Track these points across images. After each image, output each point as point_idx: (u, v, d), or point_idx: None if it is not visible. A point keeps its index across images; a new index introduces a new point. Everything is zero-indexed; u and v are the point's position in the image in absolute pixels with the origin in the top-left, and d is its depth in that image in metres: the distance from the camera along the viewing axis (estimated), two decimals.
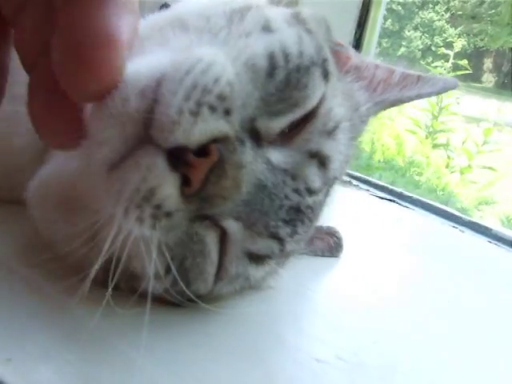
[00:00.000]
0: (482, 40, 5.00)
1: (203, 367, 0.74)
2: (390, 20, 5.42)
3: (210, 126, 0.65)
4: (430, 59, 5.30)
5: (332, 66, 0.83)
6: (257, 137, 0.73)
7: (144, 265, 0.72)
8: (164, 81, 0.65)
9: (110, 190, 0.68)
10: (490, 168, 3.80)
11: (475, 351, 0.93)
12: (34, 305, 0.77)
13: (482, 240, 1.41)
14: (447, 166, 3.92)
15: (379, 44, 1.76)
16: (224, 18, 0.77)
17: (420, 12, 6.12)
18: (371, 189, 1.57)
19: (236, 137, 0.69)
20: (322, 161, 0.79)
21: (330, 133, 0.80)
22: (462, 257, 1.30)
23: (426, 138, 4.13)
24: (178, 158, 0.65)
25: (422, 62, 5.48)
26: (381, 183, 1.61)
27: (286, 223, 0.78)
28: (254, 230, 0.76)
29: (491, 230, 1.44)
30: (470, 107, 4.62)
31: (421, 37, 6.14)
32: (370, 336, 0.89)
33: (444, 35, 5.45)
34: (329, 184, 0.84)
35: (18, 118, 0.79)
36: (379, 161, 3.64)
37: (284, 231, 0.78)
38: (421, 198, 1.55)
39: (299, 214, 0.79)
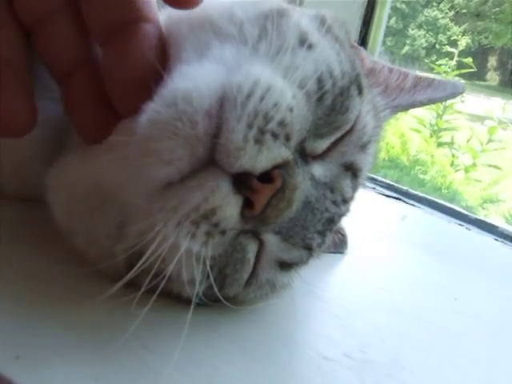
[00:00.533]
0: (486, 38, 4.99)
1: (215, 367, 0.74)
2: (394, 18, 5.41)
3: (274, 153, 0.67)
4: (434, 57, 5.29)
5: (364, 79, 0.84)
6: (304, 155, 0.75)
7: (181, 273, 0.73)
8: (226, 103, 0.66)
9: (165, 206, 0.68)
10: (494, 166, 3.80)
11: (482, 349, 0.93)
12: (42, 301, 0.77)
13: (488, 238, 1.41)
14: (452, 165, 3.91)
15: (383, 42, 1.75)
16: (257, 26, 0.76)
17: (424, 10, 6.11)
18: (377, 187, 1.57)
19: (294, 161, 0.71)
20: (354, 173, 0.81)
21: (364, 146, 0.82)
22: (468, 254, 1.30)
23: (431, 136, 4.12)
24: (241, 181, 0.67)
25: (426, 60, 5.48)
26: (386, 181, 1.62)
27: (319, 234, 0.80)
28: (290, 242, 0.78)
29: (497, 227, 1.44)
30: (474, 105, 4.62)
31: (425, 35, 6.12)
32: (377, 333, 0.90)
33: (448, 33, 5.44)
34: (357, 191, 0.87)
35: None
36: (384, 159, 3.63)
37: (316, 242, 0.81)
38: (427, 196, 1.55)
39: (331, 224, 0.82)
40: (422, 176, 3.58)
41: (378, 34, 1.65)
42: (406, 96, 0.97)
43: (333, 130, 0.77)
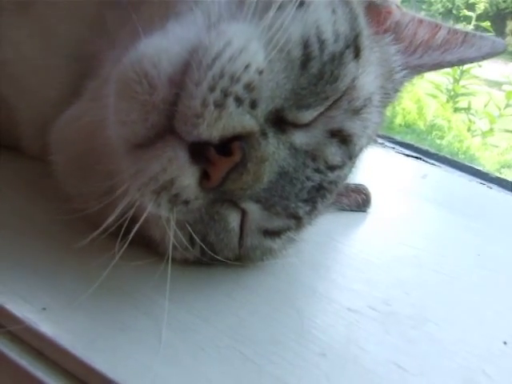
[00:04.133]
0: (504, 2, 4.89)
1: (238, 317, 0.75)
2: None
3: (234, 121, 0.64)
4: (451, 23, 5.20)
5: (365, 38, 0.79)
6: (282, 123, 0.71)
7: (163, 236, 0.74)
8: (190, 67, 0.64)
9: (130, 169, 0.68)
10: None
11: (505, 301, 0.93)
12: (63, 257, 0.78)
13: (509, 196, 1.39)
14: (469, 130, 3.87)
15: None
16: None
17: None
18: (397, 146, 1.56)
19: (260, 131, 0.67)
20: (343, 139, 0.77)
21: (357, 111, 0.77)
22: (490, 212, 1.29)
23: (447, 101, 4.07)
24: (199, 151, 0.64)
25: None
26: (406, 141, 1.60)
27: (306, 202, 0.78)
28: (272, 212, 0.76)
29: None
30: (491, 70, 4.54)
31: (441, 0, 6.03)
32: (401, 287, 0.90)
33: None
34: (354, 157, 0.83)
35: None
36: (400, 125, 3.60)
37: (303, 210, 0.78)
38: (447, 156, 1.54)
39: (321, 191, 0.79)
40: (438, 141, 3.54)
41: None
42: (434, 54, 0.90)
43: (320, 100, 0.72)
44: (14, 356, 0.66)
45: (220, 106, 0.63)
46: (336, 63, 0.72)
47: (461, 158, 3.37)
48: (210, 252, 0.77)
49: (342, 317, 0.80)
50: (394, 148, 1.55)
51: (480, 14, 4.34)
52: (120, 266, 0.72)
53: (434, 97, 4.09)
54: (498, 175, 1.47)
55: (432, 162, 1.50)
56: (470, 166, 1.50)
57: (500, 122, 3.83)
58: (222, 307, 0.76)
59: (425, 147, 1.56)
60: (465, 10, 4.63)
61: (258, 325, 0.74)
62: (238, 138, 0.65)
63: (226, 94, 0.63)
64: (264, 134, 0.68)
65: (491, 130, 3.83)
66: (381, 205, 1.14)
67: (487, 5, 4.65)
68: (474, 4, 4.61)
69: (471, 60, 0.92)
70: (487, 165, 3.45)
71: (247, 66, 0.64)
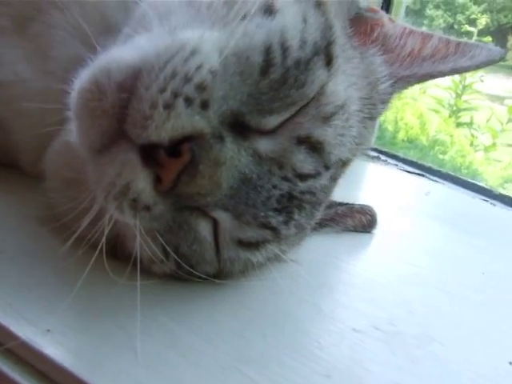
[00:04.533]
0: (505, 17, 4.91)
1: (241, 337, 0.75)
2: None
3: (182, 121, 0.64)
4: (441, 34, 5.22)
5: (339, 47, 0.78)
6: (243, 129, 0.70)
7: (134, 246, 0.73)
8: (141, 72, 0.64)
9: (93, 175, 0.70)
10: None
11: (510, 320, 0.92)
12: (68, 278, 0.77)
13: None
14: (471, 145, 3.87)
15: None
16: None
17: None
18: (400, 163, 1.56)
19: (212, 133, 0.67)
20: (313, 146, 0.75)
21: (327, 118, 0.76)
22: (494, 229, 1.29)
23: (450, 116, 4.07)
24: (151, 154, 0.64)
25: None
26: (409, 158, 1.60)
27: (279, 212, 0.76)
28: (242, 221, 0.74)
29: None
30: (494, 85, 4.55)
31: (442, 15, 6.06)
32: (406, 306, 0.89)
33: (467, 13, 5.37)
34: (333, 167, 0.80)
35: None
36: (403, 140, 3.61)
37: (276, 220, 0.77)
38: (450, 172, 1.54)
39: (293, 201, 0.77)
40: (441, 156, 3.54)
41: (399, 13, 1.64)
42: (425, 64, 0.88)
43: (285, 105, 0.71)
44: (19, 378, 0.66)
45: (169, 107, 0.63)
46: (301, 69, 0.71)
47: (463, 173, 3.37)
48: (185, 265, 0.77)
49: (347, 337, 0.79)
50: (396, 165, 1.55)
51: (481, 30, 4.35)
52: (127, 286, 0.74)
53: (437, 112, 4.09)
54: (502, 191, 1.47)
55: (435, 178, 1.50)
56: (473, 183, 1.50)
57: (502, 136, 3.83)
58: (225, 327, 0.76)
59: (428, 164, 1.56)
60: (466, 26, 4.65)
61: (262, 345, 0.74)
62: (189, 139, 0.65)
63: (176, 94, 0.64)
64: (220, 137, 0.68)
65: (494, 144, 3.83)
66: (384, 223, 1.13)
67: (488, 20, 4.67)
68: (475, 19, 4.63)
69: (465, 69, 0.89)
70: (490, 180, 3.45)
71: (199, 67, 0.65)
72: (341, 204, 1.08)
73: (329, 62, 0.75)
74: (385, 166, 1.54)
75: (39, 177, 0.88)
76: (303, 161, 0.75)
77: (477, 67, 0.89)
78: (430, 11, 5.97)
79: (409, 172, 1.52)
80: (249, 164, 0.71)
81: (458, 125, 4.05)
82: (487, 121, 3.98)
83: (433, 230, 1.22)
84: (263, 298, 0.84)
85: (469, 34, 4.38)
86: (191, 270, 0.78)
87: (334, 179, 0.84)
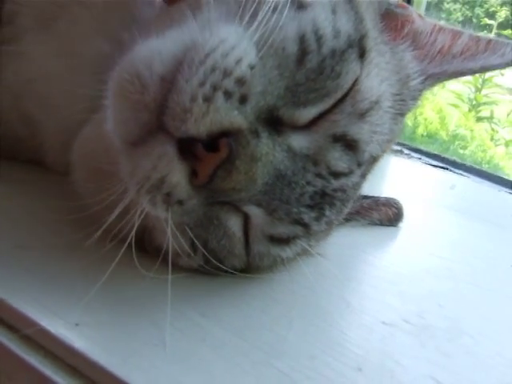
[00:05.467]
0: None
1: (271, 331, 0.74)
2: None
3: (221, 116, 0.64)
4: (471, 31, 5.18)
5: (372, 40, 0.78)
6: (277, 124, 0.70)
7: (163, 240, 0.74)
8: (182, 65, 0.64)
9: (126, 167, 0.69)
10: None
11: None
12: (96, 271, 0.77)
13: None
14: (492, 139, 3.84)
15: None
16: None
17: None
18: (423, 157, 1.55)
19: (249, 129, 0.66)
20: (348, 144, 0.74)
21: (362, 115, 0.75)
22: None
23: (469, 111, 4.05)
24: (188, 148, 0.64)
25: None
26: (432, 151, 1.59)
27: (311, 208, 0.76)
28: (275, 217, 0.74)
29: None
30: None
31: (461, 8, 6.02)
32: (435, 299, 0.89)
33: (486, 6, 5.32)
34: (365, 164, 0.80)
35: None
36: (422, 135, 3.59)
37: (308, 216, 0.76)
38: (474, 166, 1.53)
39: (326, 198, 0.77)
40: (461, 151, 3.52)
41: (419, 9, 1.63)
42: (455, 61, 0.87)
43: (320, 96, 0.70)
44: (48, 372, 0.66)
45: (209, 100, 0.63)
46: (337, 59, 0.71)
47: (485, 168, 3.35)
48: (213, 260, 0.76)
49: (376, 330, 0.79)
50: (420, 159, 1.54)
51: (501, 23, 4.31)
52: (156, 279, 0.74)
53: (456, 106, 4.07)
54: None
55: (460, 172, 1.49)
56: (499, 176, 1.49)
57: None
58: (256, 322, 0.76)
59: (452, 157, 1.55)
60: (485, 19, 4.62)
61: (292, 339, 0.73)
62: (227, 134, 0.65)
63: (215, 88, 0.63)
64: (255, 132, 0.67)
65: None
66: (410, 216, 1.12)
67: (508, 13, 4.62)
68: (494, 12, 4.60)
69: (495, 67, 0.89)
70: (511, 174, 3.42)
71: (239, 61, 0.65)
72: (366, 197, 1.08)
73: (362, 54, 0.75)
74: (408, 160, 1.53)
75: (66, 173, 0.88)
76: (338, 159, 0.74)
77: (507, 65, 0.88)
78: (448, 5, 5.93)
79: (433, 165, 1.51)
80: (283, 160, 0.70)
81: (478, 119, 4.02)
82: (508, 115, 3.95)
83: (459, 223, 1.21)
84: (292, 291, 0.83)
85: (488, 27, 4.34)
86: (219, 264, 0.77)
87: (363, 176, 0.84)
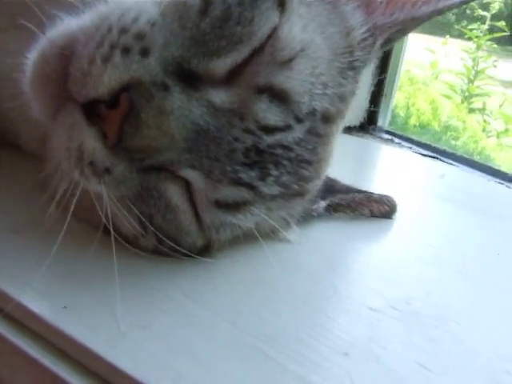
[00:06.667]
0: None
1: (259, 316, 0.75)
2: None
3: (120, 71, 0.64)
4: (464, 23, 5.19)
5: None
6: (194, 79, 0.68)
7: (108, 215, 0.73)
8: (82, 34, 0.66)
9: (51, 143, 0.72)
10: None
11: None
12: (83, 254, 0.78)
13: None
14: (484, 130, 3.85)
15: None
16: None
17: None
18: (413, 146, 1.55)
19: (153, 82, 0.65)
20: (276, 94, 0.72)
21: (285, 63, 0.72)
22: (509, 211, 1.29)
23: (462, 102, 4.05)
24: (94, 111, 0.64)
25: (456, 26, 5.38)
26: (423, 141, 1.59)
27: (249, 167, 0.73)
28: (213, 179, 0.72)
29: None
30: (507, 71, 4.52)
31: None
32: (422, 286, 0.89)
33: None
34: (309, 119, 0.76)
35: None
36: (414, 125, 3.59)
37: (247, 176, 0.73)
38: (464, 155, 1.53)
39: (265, 156, 0.74)
40: (453, 142, 3.52)
41: None
42: (405, 8, 0.82)
43: (232, 44, 0.69)
44: (36, 355, 0.66)
45: (107, 60, 0.63)
46: (246, 6, 0.69)
47: (476, 159, 3.35)
48: (165, 239, 0.76)
49: (364, 316, 0.79)
50: (410, 148, 1.54)
51: (495, 14, 4.32)
52: (143, 263, 0.76)
53: (449, 98, 4.07)
54: None
55: (449, 161, 1.49)
56: (489, 166, 1.49)
57: None
58: (242, 306, 0.76)
59: (442, 147, 1.55)
60: (479, 10, 4.61)
61: (279, 324, 0.74)
62: (128, 89, 0.64)
63: (112, 47, 0.64)
64: (164, 86, 0.66)
65: (506, 130, 3.81)
66: (400, 205, 1.13)
67: (502, 4, 4.63)
68: (488, 4, 4.59)
69: (449, 7, 0.83)
70: (503, 165, 3.43)
71: (136, 19, 0.66)
72: (359, 191, 1.06)
73: (281, 3, 0.72)
74: (399, 149, 1.54)
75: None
76: (266, 110, 0.71)
77: (461, 2, 0.86)
78: None
79: (423, 155, 1.51)
80: (203, 115, 0.68)
81: (471, 110, 4.03)
82: (500, 106, 3.96)
83: (448, 212, 1.21)
84: (279, 276, 0.83)
85: (482, 18, 4.34)
86: (173, 245, 0.77)
87: (316, 134, 0.79)
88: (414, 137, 1.61)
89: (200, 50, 0.68)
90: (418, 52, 3.75)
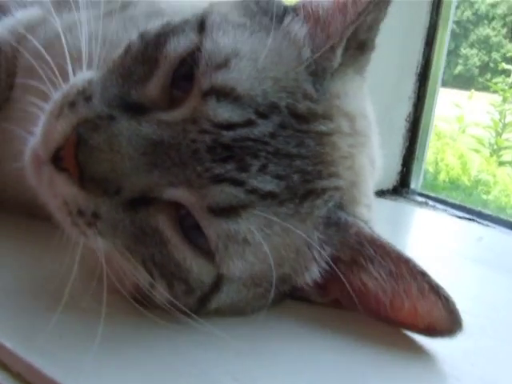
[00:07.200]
0: None
1: None
2: None
3: (69, 118, 0.73)
4: (488, 76, 5.22)
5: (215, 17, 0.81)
6: (141, 108, 0.75)
7: (123, 274, 0.77)
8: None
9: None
10: None
11: None
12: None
13: None
14: None
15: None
16: None
17: (475, 29, 6.05)
18: (448, 208, 1.54)
19: (98, 116, 0.72)
20: (221, 92, 0.73)
21: (222, 64, 0.74)
22: None
23: (491, 155, 4.05)
24: (59, 160, 0.72)
25: (480, 79, 5.42)
26: (458, 202, 1.58)
27: (222, 161, 0.72)
28: (194, 185, 0.72)
29: None
30: None
31: (477, 54, 6.05)
32: (467, 358, 0.87)
33: (502, 50, 5.36)
34: (274, 113, 0.75)
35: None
36: (444, 181, 3.58)
37: (223, 169, 0.72)
38: (501, 216, 1.52)
39: (234, 150, 0.72)
40: (484, 196, 3.50)
41: (441, 52, 1.64)
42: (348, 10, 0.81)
43: (152, 67, 0.77)
44: None
45: (58, 115, 0.74)
46: (160, 38, 0.79)
47: (509, 213, 3.32)
48: (173, 281, 0.76)
49: None
50: (445, 210, 1.53)
51: None
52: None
53: (477, 151, 4.07)
54: None
55: (486, 223, 1.48)
56: None
57: None
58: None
59: (477, 208, 1.54)
60: (503, 63, 4.65)
61: None
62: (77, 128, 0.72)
63: (61, 106, 0.75)
64: (110, 117, 0.73)
65: None
66: (437, 270, 1.11)
67: None
68: (511, 57, 4.62)
69: None
70: None
71: (77, 82, 0.78)
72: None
73: (200, 27, 0.79)
74: (433, 211, 1.53)
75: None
76: (215, 109, 0.73)
77: None
78: (464, 50, 5.99)
79: (458, 217, 1.50)
80: (155, 130, 0.72)
81: (501, 164, 4.02)
82: None
83: (489, 277, 1.19)
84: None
85: (505, 72, 4.37)
86: (184, 285, 0.76)
87: (294, 129, 0.77)
88: (448, 198, 1.60)
89: (131, 82, 0.77)
90: (443, 106, 3.77)
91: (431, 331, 0.83)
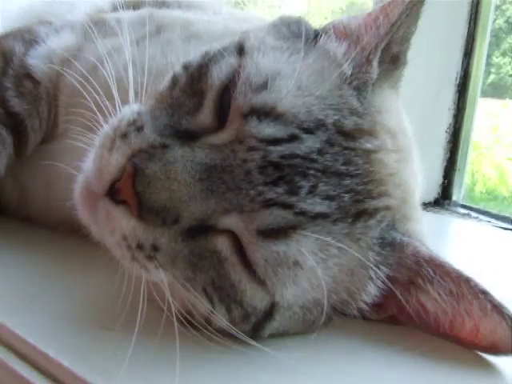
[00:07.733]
0: None
1: None
2: None
3: (122, 150, 0.74)
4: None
5: (246, 41, 0.85)
6: (192, 135, 0.76)
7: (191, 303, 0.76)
8: None
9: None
10: None
11: None
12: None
13: None
14: None
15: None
16: None
17: (508, 37, 5.99)
18: (492, 220, 1.52)
19: (151, 145, 0.73)
20: (261, 112, 0.74)
21: (261, 87, 0.76)
22: None
23: None
24: (115, 193, 0.72)
25: None
26: (502, 214, 1.56)
27: (273, 184, 0.72)
28: (245, 210, 0.72)
29: None
30: None
31: (510, 62, 6.00)
32: None
33: None
34: (320, 129, 0.75)
35: None
36: (481, 192, 3.53)
37: (275, 193, 0.72)
38: None
39: (284, 169, 0.72)
40: None
41: (480, 65, 1.64)
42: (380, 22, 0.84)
43: (199, 96, 0.79)
44: None
45: (111, 149, 0.74)
46: (204, 69, 0.81)
47: None
48: (231, 305, 0.75)
49: None
50: (489, 222, 1.51)
51: None
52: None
53: None
54: None
55: None
56: None
57: None
58: None
59: None
60: None
61: None
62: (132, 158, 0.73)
63: (114, 139, 0.75)
64: (163, 146, 0.73)
65: None
66: (488, 284, 1.09)
67: None
68: None
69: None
70: None
71: (126, 115, 0.79)
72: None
73: (240, 51, 0.83)
74: (477, 223, 1.51)
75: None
76: (258, 126, 0.74)
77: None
78: (496, 59, 5.92)
79: (504, 228, 1.48)
80: (208, 154, 0.73)
81: None
82: None
83: None
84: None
85: None
86: (240, 310, 0.76)
87: (341, 147, 0.76)
88: (493, 210, 1.58)
89: (181, 112, 0.78)
90: (477, 116, 3.73)
91: (494, 350, 0.80)
